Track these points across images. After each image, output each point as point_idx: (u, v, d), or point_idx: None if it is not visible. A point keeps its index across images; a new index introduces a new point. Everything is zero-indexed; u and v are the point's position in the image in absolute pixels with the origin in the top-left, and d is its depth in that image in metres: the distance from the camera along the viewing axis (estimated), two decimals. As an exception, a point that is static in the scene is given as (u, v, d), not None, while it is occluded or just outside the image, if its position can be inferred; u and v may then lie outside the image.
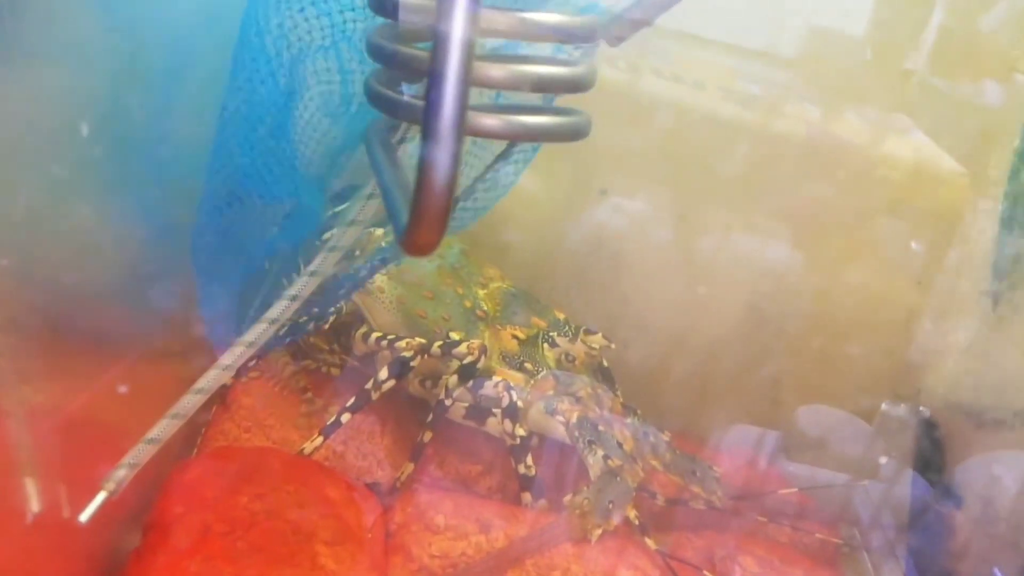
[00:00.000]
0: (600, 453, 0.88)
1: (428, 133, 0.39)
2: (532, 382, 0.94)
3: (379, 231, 0.95)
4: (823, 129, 1.01)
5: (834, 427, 0.98)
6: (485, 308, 0.97)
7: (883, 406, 0.96)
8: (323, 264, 0.72)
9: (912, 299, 1.00)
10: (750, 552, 0.90)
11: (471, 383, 0.91)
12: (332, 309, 0.93)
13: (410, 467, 0.92)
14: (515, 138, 0.61)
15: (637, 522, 0.87)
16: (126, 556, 0.79)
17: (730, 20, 0.97)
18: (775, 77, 1.00)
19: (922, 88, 0.97)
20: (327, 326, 0.96)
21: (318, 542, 0.81)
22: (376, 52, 0.56)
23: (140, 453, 0.68)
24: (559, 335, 0.96)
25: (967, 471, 0.84)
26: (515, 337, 0.96)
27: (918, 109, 0.99)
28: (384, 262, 0.88)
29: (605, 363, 1.01)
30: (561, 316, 0.99)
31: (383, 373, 0.90)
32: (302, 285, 0.71)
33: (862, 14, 0.97)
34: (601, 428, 0.90)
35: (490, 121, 0.54)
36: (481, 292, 0.99)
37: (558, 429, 0.91)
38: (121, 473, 0.67)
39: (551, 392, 0.93)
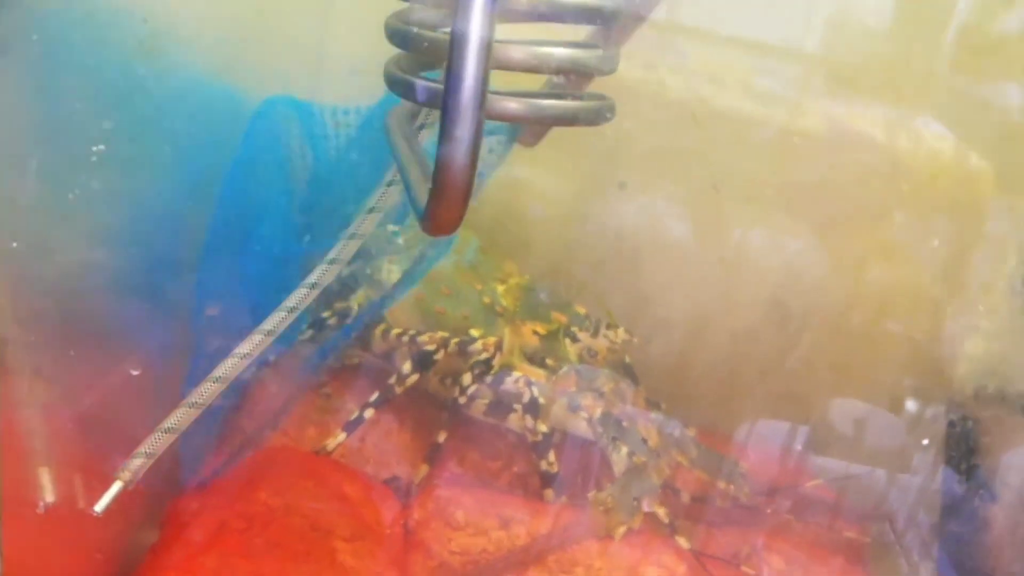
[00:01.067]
0: (624, 450, 0.87)
1: (448, 110, 0.39)
2: (554, 378, 0.93)
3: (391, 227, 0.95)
4: (845, 125, 1.00)
5: (862, 421, 0.96)
6: (504, 304, 0.96)
7: (910, 400, 0.94)
8: (323, 276, 0.72)
9: (938, 291, 0.99)
10: (776, 549, 0.89)
11: (492, 379, 0.90)
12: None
13: (425, 469, 0.91)
14: (538, 122, 0.60)
15: (667, 520, 0.86)
16: (143, 552, 0.78)
17: (749, 16, 0.96)
18: (796, 74, 0.99)
19: (946, 86, 0.96)
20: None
21: (336, 538, 0.81)
22: (395, 36, 0.55)
23: (156, 442, 0.67)
24: (580, 330, 0.95)
25: (1001, 462, 0.82)
26: (536, 333, 0.95)
27: (942, 107, 0.98)
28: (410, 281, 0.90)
29: (627, 358, 1.00)
30: (582, 311, 0.98)
31: (407, 367, 0.89)
32: (301, 297, 0.70)
33: (885, 11, 0.95)
34: (625, 424, 0.89)
35: (513, 104, 0.53)
36: (500, 288, 0.97)
37: (581, 425, 0.90)
38: (137, 463, 0.66)
39: (573, 388, 0.92)
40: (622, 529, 0.84)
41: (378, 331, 0.96)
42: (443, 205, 0.40)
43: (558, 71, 0.54)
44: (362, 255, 0.93)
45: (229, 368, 0.67)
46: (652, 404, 0.94)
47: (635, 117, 0.96)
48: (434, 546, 0.85)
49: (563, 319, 0.96)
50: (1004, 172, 0.96)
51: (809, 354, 1.01)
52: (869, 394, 0.98)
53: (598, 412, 0.90)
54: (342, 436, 0.90)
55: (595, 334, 0.95)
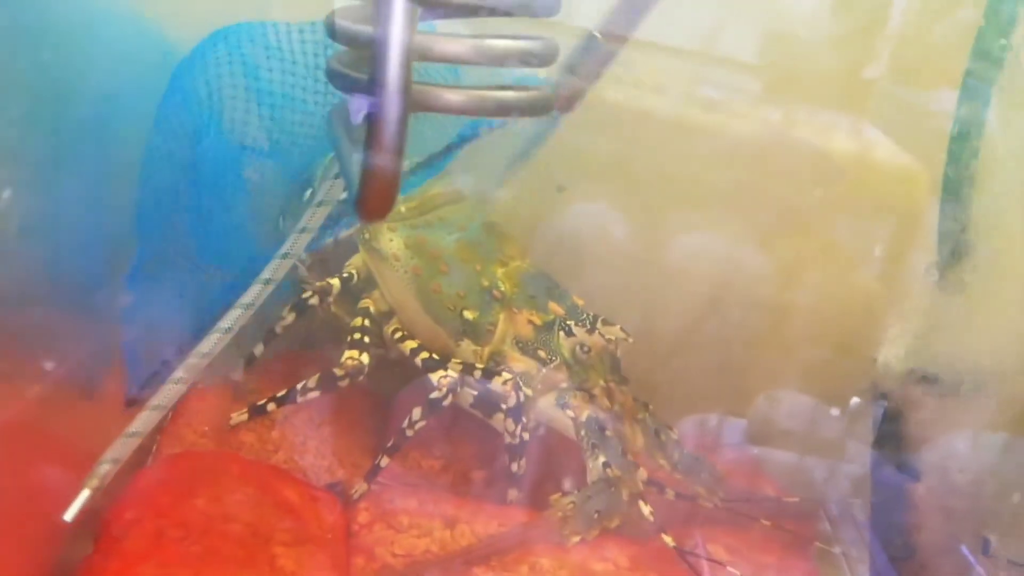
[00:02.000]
0: (601, 460, 0.85)
1: (374, 104, 0.40)
2: (544, 371, 0.91)
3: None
4: (785, 131, 1.03)
5: (795, 411, 0.99)
6: (503, 288, 0.93)
7: (842, 390, 0.97)
8: (277, 272, 0.71)
9: (871, 286, 1.03)
10: (718, 541, 0.90)
11: (481, 375, 0.88)
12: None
13: (364, 487, 0.90)
14: (478, 113, 0.61)
15: (652, 519, 0.84)
16: (76, 564, 0.76)
17: (692, 27, 0.99)
18: (737, 83, 1.02)
19: (883, 93, 1.00)
20: (335, 291, 0.92)
21: (276, 544, 0.79)
22: (333, 32, 0.56)
23: (122, 448, 0.65)
24: (576, 324, 0.92)
25: (925, 445, 0.86)
26: (531, 322, 0.92)
27: (878, 113, 1.02)
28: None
29: (618, 354, 0.96)
30: (580, 303, 0.95)
31: (416, 413, 0.87)
32: (256, 293, 0.70)
33: (824, 21, 0.99)
34: (608, 433, 0.87)
35: (454, 97, 0.54)
36: (500, 271, 0.94)
37: (566, 424, 0.89)
38: (104, 469, 0.65)
39: (563, 383, 0.90)
40: (576, 539, 0.83)
41: (389, 331, 0.94)
42: (373, 192, 0.42)
43: (496, 63, 0.54)
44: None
45: (190, 369, 0.66)
46: (640, 404, 0.92)
47: (579, 123, 0.97)
48: (377, 549, 0.85)
49: (560, 311, 0.93)
50: (938, 174, 1.00)
51: (747, 350, 1.03)
52: (805, 386, 1.01)
53: (585, 414, 0.88)
54: (364, 487, 0.90)
55: (591, 329, 0.92)
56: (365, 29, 0.53)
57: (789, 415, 0.99)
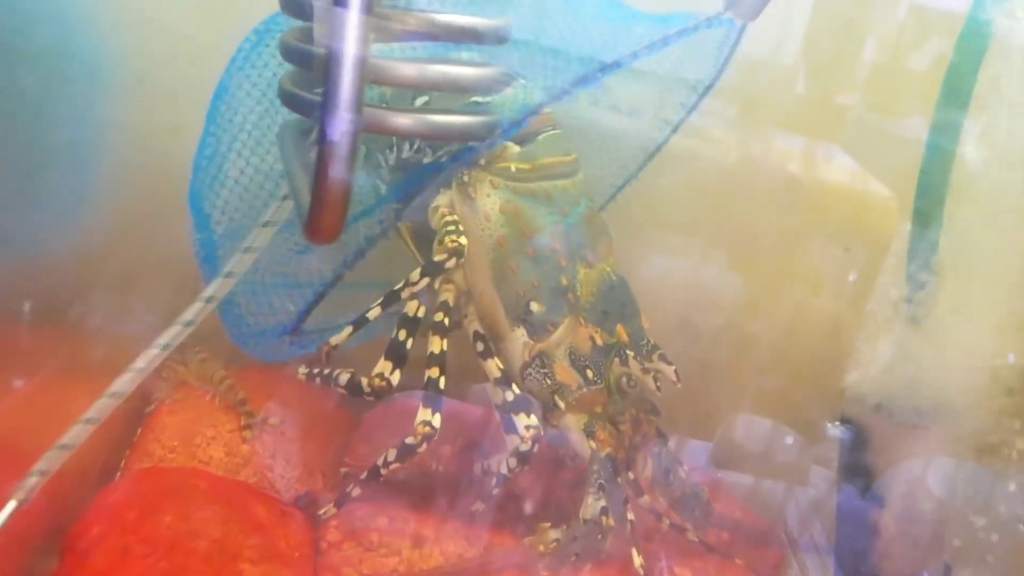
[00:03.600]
0: (601, 504, 0.82)
1: (324, 122, 0.41)
2: (585, 390, 0.86)
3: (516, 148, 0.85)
4: (759, 157, 1.04)
5: (761, 436, 0.99)
6: (578, 293, 0.86)
7: (810, 417, 0.97)
8: (220, 289, 0.71)
9: (841, 312, 1.02)
10: (687, 564, 0.90)
11: (511, 399, 0.84)
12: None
13: (332, 510, 0.89)
14: (427, 136, 0.62)
15: (642, 572, 0.83)
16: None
17: (666, 52, 0.99)
18: (712, 108, 1.02)
19: (855, 120, 1.01)
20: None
21: (243, 561, 0.80)
22: (287, 52, 0.57)
23: (52, 460, 0.66)
24: (635, 356, 0.86)
25: (889, 473, 0.85)
26: (592, 339, 0.86)
27: (850, 140, 1.02)
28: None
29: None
30: (646, 325, 0.90)
31: (391, 454, 0.83)
32: (197, 311, 0.70)
33: (795, 50, 1.00)
34: (619, 480, 0.84)
35: (403, 120, 0.55)
36: (583, 272, 0.87)
37: (584, 450, 0.85)
38: (32, 481, 0.65)
39: (599, 409, 0.86)
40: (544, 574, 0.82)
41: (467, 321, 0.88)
42: (323, 213, 0.42)
43: (442, 88, 0.55)
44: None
45: (125, 383, 0.66)
46: (661, 438, 0.89)
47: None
48: (344, 568, 0.85)
49: (625, 337, 0.87)
50: (908, 201, 1.00)
51: (716, 373, 1.03)
52: (772, 411, 1.01)
53: (606, 451, 0.84)
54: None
55: (647, 362, 0.86)
56: (318, 49, 0.54)
57: (755, 440, 0.99)
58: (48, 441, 0.68)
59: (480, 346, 0.86)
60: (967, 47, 0.85)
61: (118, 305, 0.91)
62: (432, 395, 0.80)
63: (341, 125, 0.43)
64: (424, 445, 0.80)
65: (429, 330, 0.83)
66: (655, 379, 0.86)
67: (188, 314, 0.68)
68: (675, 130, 0.98)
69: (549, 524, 0.84)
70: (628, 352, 0.86)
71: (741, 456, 1.00)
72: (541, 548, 0.83)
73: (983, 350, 0.85)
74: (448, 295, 0.86)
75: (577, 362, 0.86)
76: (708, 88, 0.95)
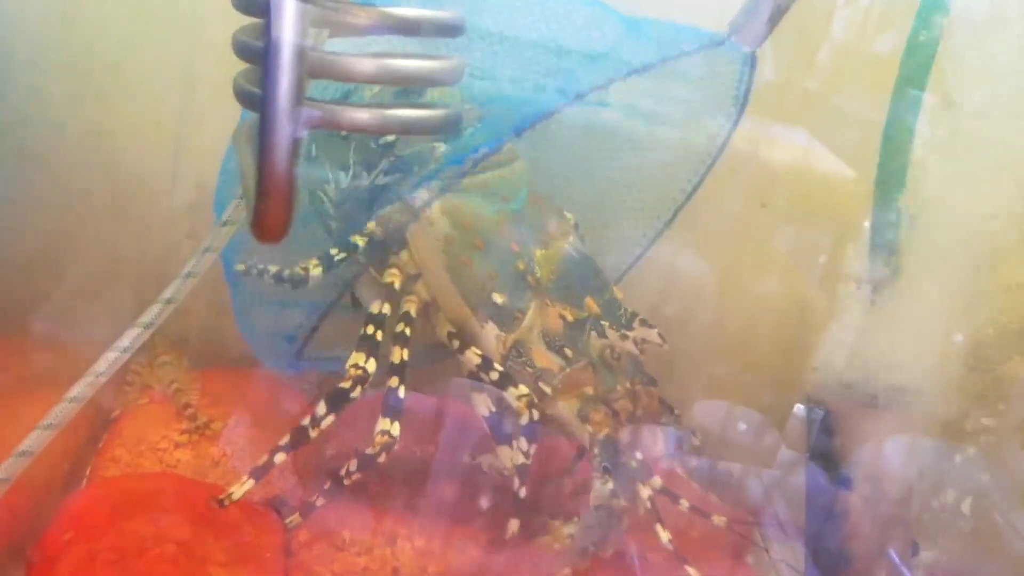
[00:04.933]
0: (609, 486, 0.80)
1: (265, 118, 0.40)
2: (568, 370, 0.84)
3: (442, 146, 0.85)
4: (725, 141, 1.04)
5: (729, 420, 1.00)
6: (538, 275, 0.85)
7: (778, 400, 0.98)
8: (179, 291, 0.70)
9: (808, 294, 1.03)
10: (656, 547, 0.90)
11: (496, 379, 0.82)
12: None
13: (298, 519, 0.87)
14: (386, 131, 0.61)
15: (671, 547, 0.81)
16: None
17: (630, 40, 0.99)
18: (678, 94, 1.02)
19: (821, 103, 1.01)
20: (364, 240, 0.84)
21: (213, 564, 0.79)
22: (241, 50, 0.56)
23: (12, 467, 0.65)
24: (611, 326, 0.84)
25: (856, 453, 0.86)
26: (562, 317, 0.84)
27: (817, 123, 1.03)
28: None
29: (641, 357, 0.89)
30: (620, 295, 0.88)
31: (320, 408, 0.80)
32: (155, 313, 0.69)
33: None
34: (623, 459, 0.82)
35: (362, 115, 0.54)
36: (539, 253, 0.86)
37: (583, 436, 0.83)
38: None
39: (589, 390, 0.84)
40: (567, 572, 0.80)
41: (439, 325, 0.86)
42: (268, 209, 0.41)
43: (398, 83, 0.55)
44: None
45: (85, 388, 0.65)
46: (666, 407, 0.87)
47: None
48: (316, 567, 0.84)
49: (596, 308, 0.85)
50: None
51: (683, 359, 1.04)
52: (742, 396, 1.02)
53: (604, 432, 0.82)
54: (249, 483, 0.80)
55: (625, 333, 0.85)
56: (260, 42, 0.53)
57: (725, 425, 1.00)
58: (5, 452, 0.67)
59: (456, 343, 0.85)
60: (925, 23, 0.86)
61: (68, 310, 0.90)
62: (392, 404, 0.79)
63: (281, 114, 0.42)
64: (384, 455, 0.79)
65: (391, 340, 0.82)
66: (638, 346, 0.84)
67: (147, 316, 0.67)
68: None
69: (560, 521, 0.83)
70: (603, 323, 0.85)
71: (711, 441, 1.00)
72: (556, 546, 0.82)
73: (943, 329, 0.86)
74: (411, 306, 0.85)
75: (553, 343, 0.85)
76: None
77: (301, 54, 0.41)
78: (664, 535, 0.80)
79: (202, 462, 0.91)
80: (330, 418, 0.79)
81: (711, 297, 1.06)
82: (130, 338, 0.66)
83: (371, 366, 0.79)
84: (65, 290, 0.94)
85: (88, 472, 0.90)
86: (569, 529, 0.82)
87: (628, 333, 0.84)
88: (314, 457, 0.94)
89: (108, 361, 0.66)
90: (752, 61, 0.90)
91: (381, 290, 0.84)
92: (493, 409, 0.83)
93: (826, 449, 0.90)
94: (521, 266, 0.85)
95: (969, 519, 0.83)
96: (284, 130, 0.43)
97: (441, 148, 0.84)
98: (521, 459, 0.81)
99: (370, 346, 0.80)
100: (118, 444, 0.91)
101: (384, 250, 0.86)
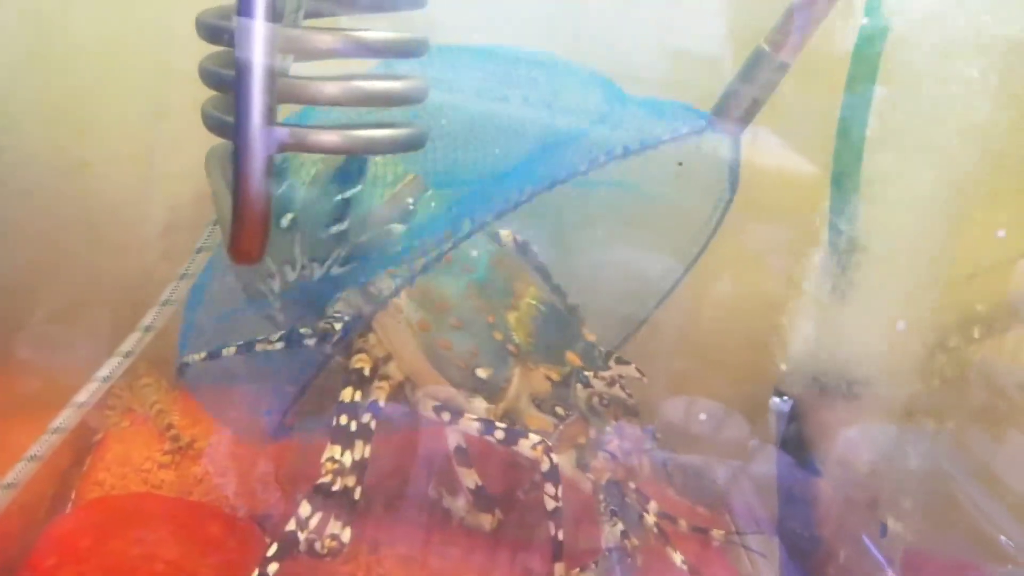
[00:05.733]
0: (620, 528, 0.80)
1: (238, 143, 0.41)
2: (561, 427, 0.83)
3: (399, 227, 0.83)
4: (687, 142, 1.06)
5: (699, 414, 1.02)
6: (517, 341, 0.83)
7: (748, 393, 1.00)
8: (157, 319, 0.71)
9: (775, 290, 1.05)
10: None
11: (504, 438, 0.80)
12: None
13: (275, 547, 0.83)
14: (354, 151, 0.63)
15: (685, 567, 0.81)
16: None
17: (592, 45, 1.01)
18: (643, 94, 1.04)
19: (782, 102, 1.03)
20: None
21: (201, 580, 0.80)
22: (207, 77, 0.57)
23: (-1, 499, 0.65)
24: (595, 375, 0.85)
25: (824, 441, 0.89)
26: (548, 378, 0.84)
27: (779, 122, 1.04)
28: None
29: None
30: (591, 338, 0.88)
31: (304, 509, 0.76)
32: (135, 341, 0.70)
33: (723, 32, 1.02)
34: (627, 499, 0.83)
35: (330, 137, 0.56)
36: (512, 318, 0.84)
37: (585, 485, 0.84)
38: None
39: (582, 440, 0.84)
40: None
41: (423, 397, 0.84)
42: (243, 233, 0.43)
43: (365, 104, 0.56)
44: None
45: (67, 418, 0.66)
46: (648, 435, 0.87)
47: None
48: (302, 577, 0.85)
49: (577, 361, 0.85)
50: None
51: (651, 357, 1.06)
52: (713, 392, 1.04)
53: (605, 478, 0.82)
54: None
55: (607, 376, 0.85)
56: (229, 72, 0.55)
57: (695, 419, 1.02)
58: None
59: (445, 415, 0.83)
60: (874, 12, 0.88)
61: (48, 336, 0.91)
62: (341, 433, 0.77)
63: (253, 135, 0.44)
64: (338, 482, 0.76)
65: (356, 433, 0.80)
66: (621, 385, 0.85)
67: (127, 344, 0.68)
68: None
69: (578, 570, 0.81)
70: (587, 374, 0.84)
71: (682, 436, 1.02)
72: None
73: (906, 317, 0.89)
74: (380, 394, 0.83)
75: (544, 405, 0.84)
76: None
77: (271, 75, 0.42)
78: (677, 557, 0.80)
79: (186, 481, 0.92)
80: (317, 516, 0.77)
81: (680, 296, 1.08)
82: (111, 367, 0.67)
83: (347, 459, 0.77)
84: (43, 316, 0.95)
85: (73, 496, 0.90)
86: (590, 572, 0.82)
87: (609, 375, 0.85)
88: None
89: (90, 391, 0.67)
90: (737, 147, 0.92)
91: (350, 376, 0.81)
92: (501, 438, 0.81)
93: (796, 439, 0.92)
94: (499, 336, 0.83)
95: (933, 497, 0.86)
96: (258, 151, 0.44)
97: (399, 228, 0.82)
98: (553, 504, 0.79)
99: (344, 437, 0.78)
100: (102, 467, 0.92)
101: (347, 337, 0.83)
